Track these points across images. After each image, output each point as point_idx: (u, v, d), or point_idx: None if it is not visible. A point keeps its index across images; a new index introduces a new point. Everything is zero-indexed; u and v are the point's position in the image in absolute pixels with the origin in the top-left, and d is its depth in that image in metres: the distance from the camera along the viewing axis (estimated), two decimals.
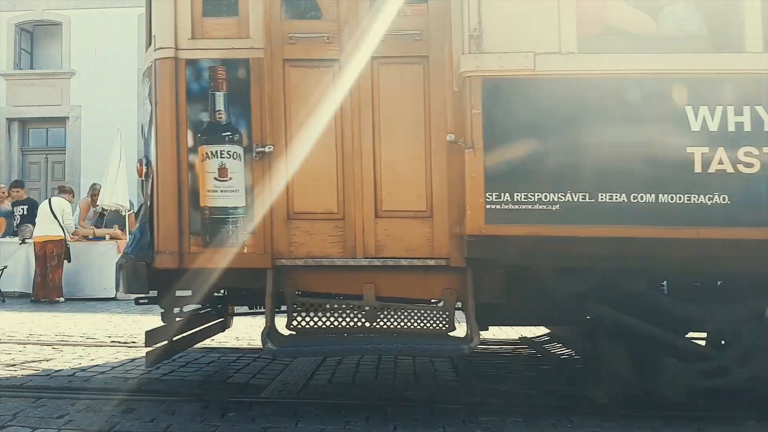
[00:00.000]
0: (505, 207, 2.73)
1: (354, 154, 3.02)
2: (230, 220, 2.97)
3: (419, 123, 3.02)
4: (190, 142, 3.00)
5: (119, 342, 4.95)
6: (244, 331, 5.47)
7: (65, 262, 8.14)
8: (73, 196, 9.01)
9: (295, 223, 3.02)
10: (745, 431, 2.86)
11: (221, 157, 2.97)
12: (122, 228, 8.99)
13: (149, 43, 3.37)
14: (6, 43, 17.35)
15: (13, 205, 9.29)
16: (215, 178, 2.97)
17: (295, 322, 3.04)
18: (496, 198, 2.73)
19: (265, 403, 3.20)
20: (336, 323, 3.05)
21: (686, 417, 2.98)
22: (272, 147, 2.96)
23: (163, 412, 3.03)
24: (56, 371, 3.88)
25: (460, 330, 3.01)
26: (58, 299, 7.95)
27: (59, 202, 8.34)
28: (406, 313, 3.04)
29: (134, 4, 17.05)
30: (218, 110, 2.98)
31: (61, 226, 8.14)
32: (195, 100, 3.01)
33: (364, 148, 3.02)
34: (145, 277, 3.02)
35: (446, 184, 2.96)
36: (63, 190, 8.81)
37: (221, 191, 2.97)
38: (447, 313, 3.02)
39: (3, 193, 9.50)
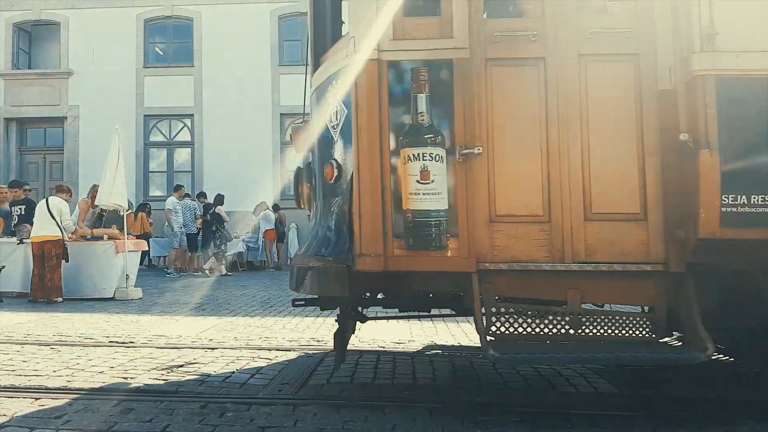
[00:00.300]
0: (741, 210, 2.64)
1: (561, 154, 2.93)
2: (432, 223, 2.90)
3: (629, 122, 2.93)
4: (392, 145, 2.95)
5: (117, 342, 4.94)
6: (242, 331, 5.48)
7: (63, 262, 8.12)
8: (71, 196, 8.97)
9: (498, 226, 2.93)
10: None
11: (423, 160, 2.91)
12: (120, 228, 8.97)
13: (315, 47, 3.44)
14: (4, 42, 17.33)
15: (11, 204, 9.27)
16: (417, 181, 2.91)
17: (494, 328, 2.94)
18: (732, 200, 2.64)
19: (264, 402, 3.20)
20: (538, 330, 2.96)
21: (686, 417, 2.99)
22: (481, 148, 2.88)
23: (162, 412, 3.03)
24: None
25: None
26: (57, 299, 7.92)
27: (56, 202, 8.31)
28: (613, 320, 2.93)
29: (132, 4, 17.07)
30: (420, 112, 2.92)
31: (58, 226, 8.12)
32: (396, 103, 2.95)
33: (572, 149, 2.93)
34: (346, 279, 2.98)
35: (661, 185, 2.88)
36: (60, 190, 8.77)
37: (423, 194, 2.91)
38: (658, 320, 2.91)
39: (5, 193, 9.45)
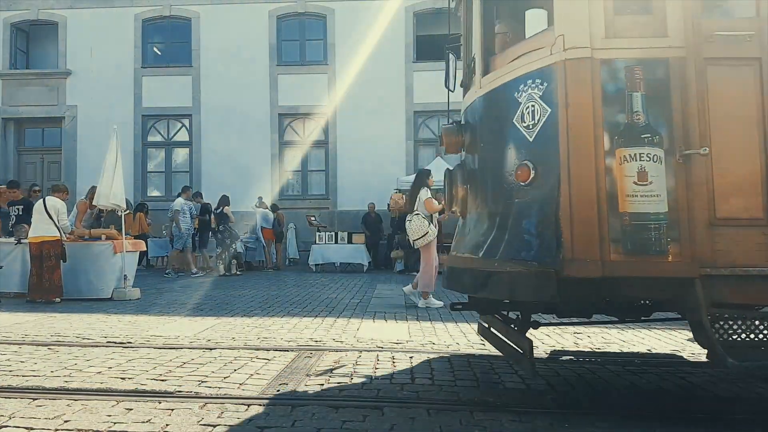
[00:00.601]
0: None
1: None
2: (651, 226, 2.82)
3: None
4: (606, 145, 2.88)
5: (115, 342, 4.94)
6: (241, 332, 5.47)
7: (61, 262, 8.11)
8: (67, 195, 8.94)
9: (719, 230, 2.84)
10: None
11: (640, 161, 2.84)
12: (118, 228, 8.95)
13: (484, 49, 3.49)
14: (2, 42, 17.32)
15: (9, 205, 9.26)
16: (634, 183, 2.84)
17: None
18: None
19: (262, 403, 3.20)
20: (753, 336, 2.94)
21: (686, 419, 2.99)
22: (707, 149, 2.81)
23: (161, 412, 3.03)
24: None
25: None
26: (55, 300, 7.91)
27: (53, 202, 8.29)
28: None
29: (131, 4, 17.06)
30: (636, 111, 2.86)
31: (56, 226, 8.11)
32: (610, 102, 2.90)
33: None
34: (555, 283, 2.89)
35: None
36: (57, 189, 8.73)
37: (641, 196, 2.83)
38: None
39: (6, 193, 9.41)
